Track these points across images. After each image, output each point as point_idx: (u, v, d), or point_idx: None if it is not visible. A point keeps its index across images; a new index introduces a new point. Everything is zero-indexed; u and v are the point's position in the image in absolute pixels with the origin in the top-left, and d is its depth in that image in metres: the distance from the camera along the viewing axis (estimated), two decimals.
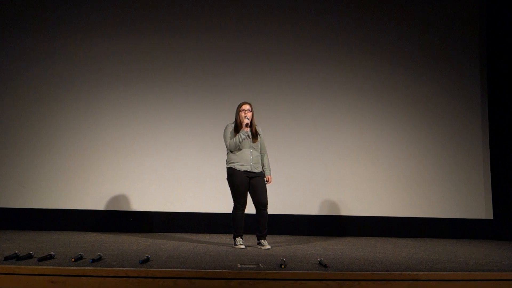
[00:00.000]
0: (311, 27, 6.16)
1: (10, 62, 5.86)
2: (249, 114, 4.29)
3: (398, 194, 6.00)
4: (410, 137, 6.13)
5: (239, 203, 4.27)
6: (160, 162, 5.79)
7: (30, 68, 5.86)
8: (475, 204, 6.04)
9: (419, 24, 6.29)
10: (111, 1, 6.04)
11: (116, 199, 5.69)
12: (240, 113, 4.33)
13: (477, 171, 6.11)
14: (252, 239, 4.64)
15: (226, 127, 4.41)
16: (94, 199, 5.66)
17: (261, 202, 4.28)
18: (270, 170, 4.45)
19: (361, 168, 5.99)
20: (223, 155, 5.77)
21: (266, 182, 4.39)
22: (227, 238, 5.06)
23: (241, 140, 4.25)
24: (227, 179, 4.35)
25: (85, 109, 5.84)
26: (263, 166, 4.40)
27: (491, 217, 6.02)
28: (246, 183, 4.28)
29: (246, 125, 4.24)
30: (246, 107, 4.33)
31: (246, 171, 4.26)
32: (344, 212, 5.90)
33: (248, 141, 4.31)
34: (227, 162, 4.38)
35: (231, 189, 4.32)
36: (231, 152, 4.33)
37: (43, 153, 5.73)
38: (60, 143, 5.77)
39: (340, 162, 5.98)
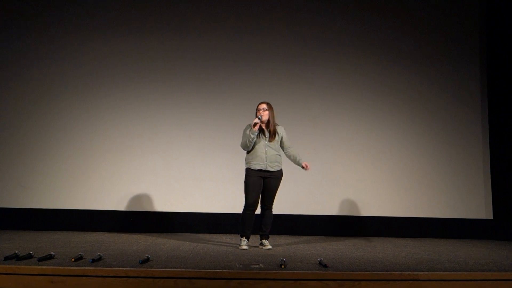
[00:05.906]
0: (311, 27, 6.15)
1: (10, 62, 5.86)
2: (264, 113, 4.28)
3: (398, 194, 6.00)
4: (410, 137, 6.13)
5: (248, 203, 4.24)
6: (160, 162, 5.79)
7: (30, 68, 5.85)
8: (475, 204, 6.04)
9: (420, 24, 6.29)
10: (111, 1, 6.04)
11: (116, 199, 5.68)
12: (256, 112, 4.34)
13: (477, 171, 6.11)
14: (253, 239, 4.64)
15: (245, 127, 4.38)
16: (94, 199, 5.66)
17: (266, 203, 4.33)
18: (301, 159, 4.38)
19: (361, 168, 5.99)
20: (223, 155, 5.84)
21: (304, 168, 4.32)
22: (227, 238, 5.06)
23: (250, 139, 4.22)
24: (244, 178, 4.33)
25: (85, 109, 5.84)
26: (295, 160, 4.38)
27: (491, 217, 6.02)
28: (259, 185, 4.26)
29: (254, 124, 4.19)
30: (262, 106, 4.32)
31: (261, 169, 4.24)
32: (343, 212, 5.90)
33: (264, 140, 4.29)
34: (245, 162, 4.35)
35: (244, 189, 4.29)
36: (246, 151, 4.34)
37: (43, 153, 5.73)
38: (60, 143, 5.76)
39: (340, 162, 5.98)
